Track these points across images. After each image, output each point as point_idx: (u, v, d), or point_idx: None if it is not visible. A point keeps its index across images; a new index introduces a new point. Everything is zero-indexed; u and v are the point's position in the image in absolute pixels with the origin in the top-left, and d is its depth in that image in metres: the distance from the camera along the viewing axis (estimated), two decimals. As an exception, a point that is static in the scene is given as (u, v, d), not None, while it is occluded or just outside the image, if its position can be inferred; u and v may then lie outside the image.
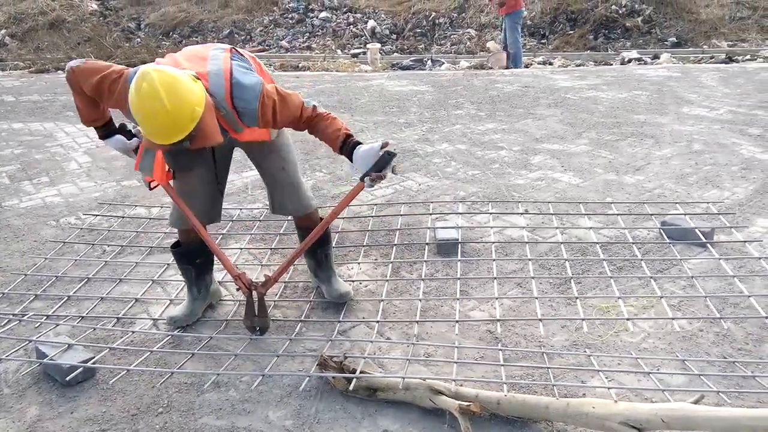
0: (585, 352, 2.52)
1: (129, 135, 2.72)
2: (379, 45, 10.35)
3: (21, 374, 2.51)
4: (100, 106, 2.59)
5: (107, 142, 2.70)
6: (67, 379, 2.37)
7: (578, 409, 2.07)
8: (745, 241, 3.29)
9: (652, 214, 3.63)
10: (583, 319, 2.67)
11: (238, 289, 2.76)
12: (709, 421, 1.96)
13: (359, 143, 2.50)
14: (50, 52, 10.20)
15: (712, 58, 9.23)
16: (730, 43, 10.10)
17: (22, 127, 6.03)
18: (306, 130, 2.54)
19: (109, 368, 2.49)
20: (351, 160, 2.51)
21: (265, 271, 3.25)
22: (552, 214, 3.71)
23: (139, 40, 11.17)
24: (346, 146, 2.49)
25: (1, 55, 10.72)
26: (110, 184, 4.53)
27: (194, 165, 2.64)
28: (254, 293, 2.65)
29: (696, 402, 2.06)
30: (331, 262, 2.95)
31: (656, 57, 9.43)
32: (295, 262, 2.94)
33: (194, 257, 2.80)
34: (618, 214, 3.65)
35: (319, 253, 2.89)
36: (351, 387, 2.23)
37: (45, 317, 2.87)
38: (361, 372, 2.28)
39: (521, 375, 2.42)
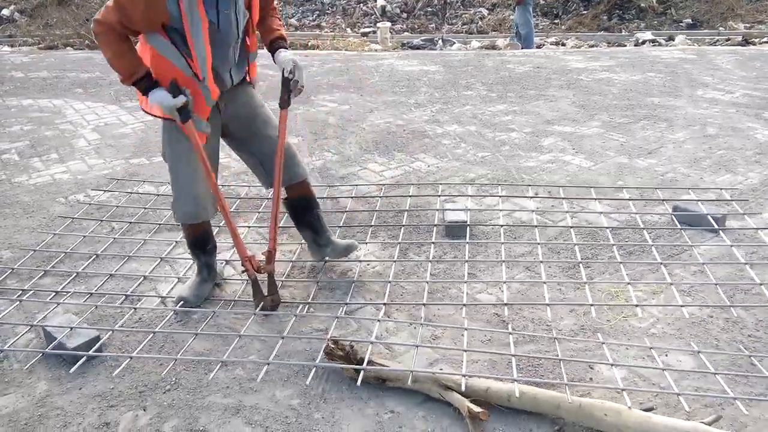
0: (595, 336, 2.51)
1: (176, 91, 2.45)
2: (389, 24, 10.23)
3: (30, 349, 2.53)
4: (136, 52, 2.47)
5: (150, 98, 2.45)
6: (71, 371, 2.37)
7: (590, 414, 2.04)
8: (757, 228, 3.25)
9: (663, 200, 3.59)
10: (591, 305, 2.65)
11: (243, 272, 2.76)
12: None
13: (283, 48, 2.73)
14: (59, 28, 10.16)
15: (728, 40, 9.07)
16: (747, 25, 9.91)
17: (32, 104, 6.03)
18: (263, 20, 2.72)
19: (114, 356, 2.49)
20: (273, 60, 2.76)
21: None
22: (562, 198, 3.67)
23: (148, 16, 11.10)
24: (273, 45, 2.74)
25: (11, 32, 10.69)
26: (119, 162, 4.53)
27: (211, 133, 2.66)
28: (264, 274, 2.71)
29: (712, 423, 2.00)
30: (324, 222, 2.98)
31: (671, 38, 9.27)
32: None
33: (205, 244, 2.85)
34: (629, 199, 3.61)
35: (308, 218, 2.94)
36: (359, 382, 2.21)
37: (54, 293, 2.88)
38: (369, 361, 2.27)
39: (529, 360, 2.41)
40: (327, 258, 3.02)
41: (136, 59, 2.45)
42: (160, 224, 3.53)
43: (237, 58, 2.64)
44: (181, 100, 2.44)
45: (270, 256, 2.76)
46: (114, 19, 2.33)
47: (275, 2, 2.81)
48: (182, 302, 2.77)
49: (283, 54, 2.70)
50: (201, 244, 2.84)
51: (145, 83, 2.44)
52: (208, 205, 2.73)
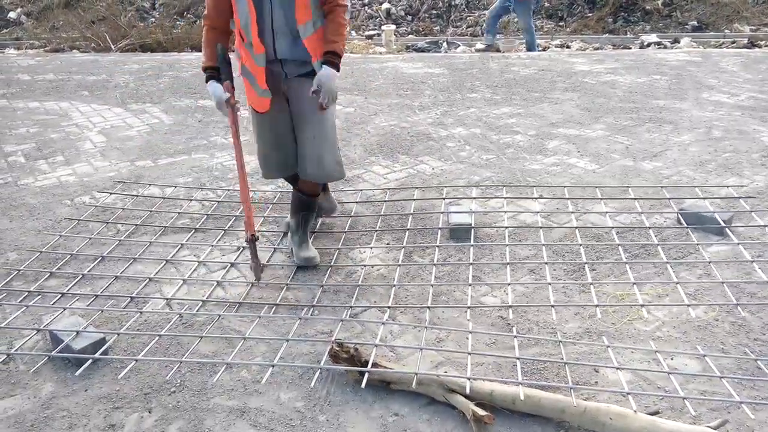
0: (600, 340, 2.50)
1: (227, 66, 2.85)
2: (394, 26, 10.24)
3: (36, 351, 2.54)
4: (214, 47, 2.86)
5: (208, 88, 2.88)
6: (77, 373, 2.38)
7: (595, 418, 2.03)
8: (765, 226, 3.24)
9: (670, 198, 3.58)
10: (596, 305, 2.65)
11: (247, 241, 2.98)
12: None
13: (328, 63, 2.78)
14: (65, 31, 10.20)
15: (733, 42, 9.04)
16: (752, 27, 9.87)
17: (38, 107, 6.05)
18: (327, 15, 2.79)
19: (119, 358, 2.50)
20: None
21: (277, 253, 3.25)
22: (567, 198, 3.67)
23: (153, 20, 11.14)
24: (323, 58, 2.81)
25: (17, 34, 10.75)
26: (124, 164, 4.55)
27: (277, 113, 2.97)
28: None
29: (718, 427, 1.99)
30: (307, 228, 3.17)
31: (676, 41, 9.25)
32: (310, 240, 3.19)
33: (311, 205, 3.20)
34: (635, 199, 3.61)
35: (299, 215, 3.15)
36: (363, 385, 2.21)
37: (60, 295, 2.89)
38: (373, 364, 2.27)
39: (534, 363, 2.41)
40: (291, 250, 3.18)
41: (210, 52, 2.87)
42: (165, 227, 3.54)
43: (281, 26, 2.75)
44: (224, 96, 2.83)
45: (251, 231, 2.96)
46: (206, 10, 2.86)
47: None
48: (305, 260, 3.08)
49: (320, 72, 2.78)
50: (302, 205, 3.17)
51: (207, 74, 2.88)
52: (274, 168, 3.14)
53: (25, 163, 4.63)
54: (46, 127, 5.43)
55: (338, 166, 3.09)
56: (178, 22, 10.93)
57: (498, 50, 8.70)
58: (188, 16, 11.54)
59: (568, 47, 9.37)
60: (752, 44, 8.72)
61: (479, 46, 8.88)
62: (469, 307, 2.68)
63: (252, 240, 2.94)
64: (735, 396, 2.11)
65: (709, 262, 2.93)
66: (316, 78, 2.78)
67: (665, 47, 8.90)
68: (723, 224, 3.23)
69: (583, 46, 9.29)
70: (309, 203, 3.20)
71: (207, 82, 2.87)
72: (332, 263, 3.12)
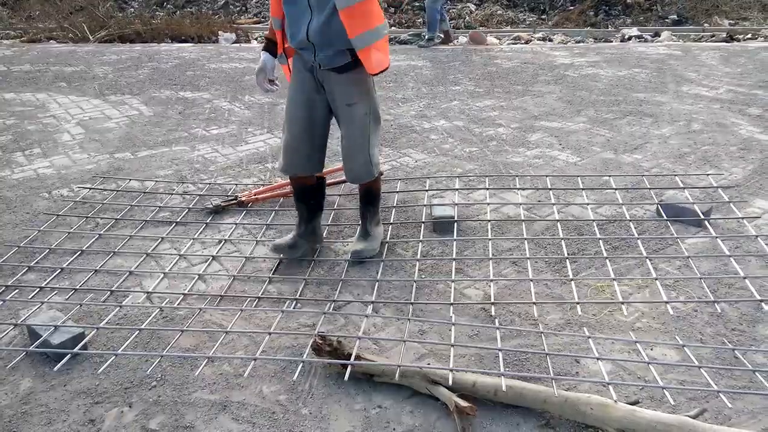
0: (581, 331, 2.53)
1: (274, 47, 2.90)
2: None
3: (13, 346, 2.50)
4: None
5: (261, 54, 2.93)
6: (56, 368, 2.34)
7: (576, 408, 2.05)
8: (743, 218, 3.29)
9: (650, 188, 3.61)
10: (577, 303, 2.66)
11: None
12: None
13: None
14: (42, 21, 10.01)
15: (713, 36, 9.14)
16: (731, 21, 9.99)
17: (14, 98, 5.94)
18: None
19: (98, 353, 2.47)
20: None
21: (259, 246, 3.23)
22: (549, 189, 3.69)
23: (132, 10, 10.97)
24: None
25: (-8, 24, 10.52)
26: (103, 157, 4.48)
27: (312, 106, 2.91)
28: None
29: (696, 416, 2.02)
30: (367, 220, 3.12)
31: (657, 34, 9.32)
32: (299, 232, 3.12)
33: (303, 198, 3.08)
34: (615, 189, 3.64)
35: (363, 207, 3.14)
36: (346, 377, 2.20)
37: (38, 289, 2.85)
38: (356, 357, 2.27)
39: (516, 355, 2.42)
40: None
41: (271, 29, 2.89)
42: (145, 220, 3.50)
43: (316, 27, 2.64)
44: (269, 67, 2.90)
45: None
46: None
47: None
48: (275, 248, 3.02)
49: None
50: (298, 196, 3.09)
51: (263, 45, 2.94)
52: (299, 162, 2.96)
53: (2, 155, 4.54)
54: (22, 118, 5.33)
55: (367, 166, 2.92)
56: (157, 12, 10.78)
57: (449, 39, 8.25)
58: (167, 6, 11.39)
59: (550, 40, 9.40)
60: (731, 38, 8.82)
61: (421, 43, 8.15)
62: (452, 304, 2.68)
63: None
64: (713, 385, 2.15)
65: (688, 257, 2.96)
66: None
67: (646, 41, 8.96)
68: (702, 216, 3.27)
69: (564, 39, 9.33)
70: (364, 197, 3.13)
71: (262, 50, 2.91)
72: (315, 256, 3.11)
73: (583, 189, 3.69)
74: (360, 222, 3.16)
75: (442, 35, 8.25)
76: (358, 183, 3.03)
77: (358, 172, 2.94)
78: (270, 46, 2.89)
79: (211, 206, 3.59)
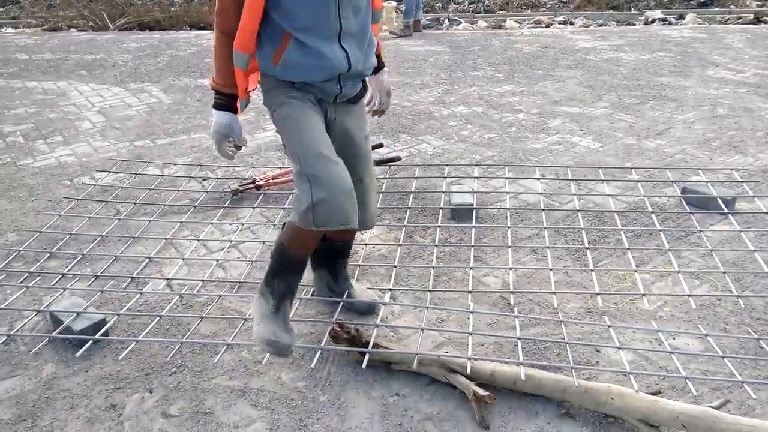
0: (601, 320, 2.50)
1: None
2: (394, 3, 10.10)
3: (36, 332, 2.54)
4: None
5: (219, 116, 2.21)
6: (78, 354, 2.37)
7: (596, 398, 2.02)
8: (767, 213, 3.21)
9: (673, 181, 3.55)
10: (598, 294, 2.62)
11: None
12: (732, 430, 1.85)
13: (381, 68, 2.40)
14: (63, 9, 10.09)
15: (739, 18, 8.92)
16: (758, 2, 9.73)
17: (36, 86, 6.00)
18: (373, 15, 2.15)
19: (119, 339, 2.50)
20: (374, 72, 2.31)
21: (277, 231, 3.22)
22: (570, 179, 3.64)
23: (151, -3, 11.00)
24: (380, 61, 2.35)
25: (14, 13, 10.63)
26: (123, 144, 4.51)
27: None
28: None
29: (719, 407, 1.98)
30: (342, 271, 2.59)
31: (681, 17, 9.12)
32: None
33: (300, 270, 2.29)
34: (637, 181, 3.57)
35: (339, 262, 2.56)
36: (364, 365, 2.20)
37: (60, 275, 2.88)
38: (374, 344, 2.26)
39: (535, 343, 2.40)
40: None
41: (227, 70, 2.18)
42: (164, 205, 3.52)
43: (358, 51, 2.08)
44: (234, 127, 2.27)
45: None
46: (219, 5, 2.07)
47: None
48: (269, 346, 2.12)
49: (383, 78, 2.40)
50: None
51: (218, 99, 2.28)
52: (351, 206, 2.04)
53: (24, 143, 4.60)
54: (44, 107, 5.38)
55: (375, 209, 2.39)
56: (176, 0, 10.79)
57: (417, 29, 7.97)
58: (186, -7, 11.38)
59: (571, 24, 9.24)
60: (758, 20, 8.60)
61: (397, 32, 7.87)
62: (470, 292, 2.66)
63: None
64: (737, 375, 2.10)
65: (711, 251, 2.89)
66: (378, 83, 2.37)
67: (670, 23, 8.77)
68: (725, 208, 3.19)
69: (586, 23, 9.17)
70: (346, 249, 2.56)
71: (217, 108, 2.19)
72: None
73: (604, 180, 3.63)
74: (336, 279, 2.58)
75: (410, 23, 7.90)
76: (362, 230, 2.43)
77: (372, 219, 2.35)
78: (229, 102, 2.16)
79: (228, 189, 3.61)
